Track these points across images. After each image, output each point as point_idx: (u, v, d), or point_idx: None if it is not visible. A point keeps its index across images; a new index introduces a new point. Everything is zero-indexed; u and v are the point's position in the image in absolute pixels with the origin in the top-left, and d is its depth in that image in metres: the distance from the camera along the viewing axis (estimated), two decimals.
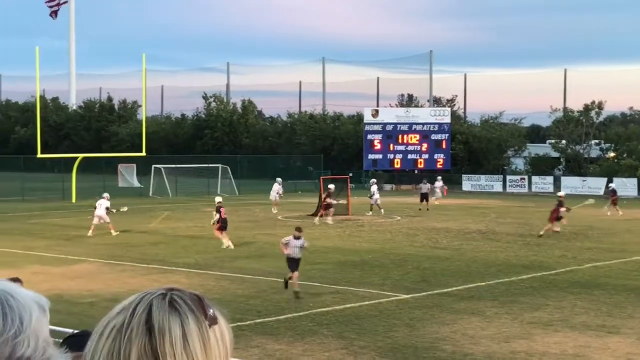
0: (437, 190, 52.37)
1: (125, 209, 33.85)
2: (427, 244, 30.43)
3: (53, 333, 1.64)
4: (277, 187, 46.85)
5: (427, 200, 46.59)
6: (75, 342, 3.06)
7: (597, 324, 16.33)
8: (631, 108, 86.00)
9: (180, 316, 1.36)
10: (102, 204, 33.47)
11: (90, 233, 32.66)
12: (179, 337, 1.34)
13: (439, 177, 56.27)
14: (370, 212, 43.07)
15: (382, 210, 43.36)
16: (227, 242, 28.84)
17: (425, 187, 47.68)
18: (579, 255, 27.36)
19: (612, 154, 73.60)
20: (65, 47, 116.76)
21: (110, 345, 1.35)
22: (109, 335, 1.36)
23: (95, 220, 33.23)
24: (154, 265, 24.97)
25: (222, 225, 29.13)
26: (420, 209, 45.91)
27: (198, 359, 1.35)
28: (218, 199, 31.29)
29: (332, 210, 39.50)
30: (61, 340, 2.71)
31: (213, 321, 1.40)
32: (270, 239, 32.11)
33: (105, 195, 34.49)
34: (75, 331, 6.76)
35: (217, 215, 29.12)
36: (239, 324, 16.29)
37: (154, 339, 1.34)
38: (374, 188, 44.57)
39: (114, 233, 32.75)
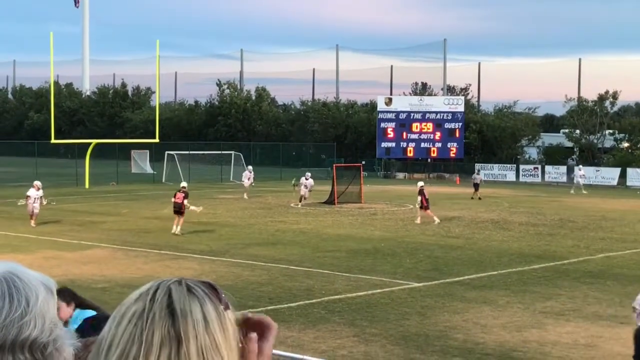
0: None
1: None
2: (440, 233, 30.37)
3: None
4: (247, 174, 47.54)
5: (477, 190, 48.13)
6: (94, 325, 3.08)
7: (609, 314, 16.28)
8: None
9: (200, 300, 1.39)
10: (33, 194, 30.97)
11: (33, 224, 30.56)
12: (200, 320, 1.37)
13: (478, 169, 58.18)
14: (300, 204, 41.23)
15: (300, 204, 41.26)
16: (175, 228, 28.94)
17: (478, 177, 50.49)
18: (592, 245, 27.26)
19: (626, 144, 73.25)
20: (79, 33, 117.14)
21: (131, 330, 1.36)
22: (129, 320, 1.37)
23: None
24: (167, 251, 25.04)
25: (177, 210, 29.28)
26: (472, 198, 46.92)
27: (218, 340, 1.38)
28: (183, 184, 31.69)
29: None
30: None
31: (227, 306, 1.44)
32: (282, 226, 32.17)
33: (37, 183, 31.73)
34: (94, 313, 6.78)
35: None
36: (250, 310, 16.27)
37: (177, 322, 1.36)
38: (304, 180, 44.30)
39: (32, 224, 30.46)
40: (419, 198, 33.93)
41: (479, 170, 57.78)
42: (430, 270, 21.92)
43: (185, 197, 29.44)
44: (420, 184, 35.53)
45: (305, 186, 41.89)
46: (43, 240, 27.22)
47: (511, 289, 19.05)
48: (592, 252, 25.63)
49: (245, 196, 45.19)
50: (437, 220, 33.10)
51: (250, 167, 49.18)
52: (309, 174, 43.63)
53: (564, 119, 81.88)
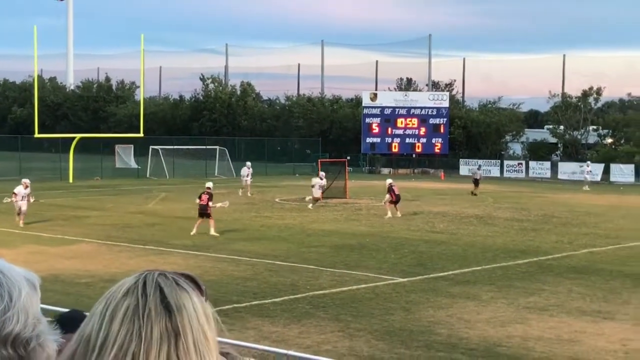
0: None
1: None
2: (424, 228, 30.44)
3: (49, 312, 1.61)
4: (246, 171, 46.51)
5: (477, 186, 48.06)
6: (65, 322, 3.04)
7: (592, 310, 16.36)
8: (629, 94, 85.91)
9: (189, 293, 1.42)
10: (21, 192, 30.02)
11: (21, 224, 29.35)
12: (193, 313, 1.39)
13: (479, 165, 58.65)
14: (240, 193, 43.57)
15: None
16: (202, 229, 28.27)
17: (478, 173, 50.64)
18: (576, 240, 27.39)
19: (609, 140, 73.66)
20: (64, 27, 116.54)
21: (128, 326, 1.36)
22: (123, 317, 1.37)
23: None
24: (151, 246, 24.98)
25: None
26: (472, 193, 46.74)
27: (206, 331, 1.40)
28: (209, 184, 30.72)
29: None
30: (52, 320, 2.68)
31: (207, 297, 1.46)
32: (267, 221, 32.15)
33: (25, 181, 30.87)
34: (65, 310, 6.75)
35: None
36: (235, 305, 16.31)
37: (173, 317, 1.37)
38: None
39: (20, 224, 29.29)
40: (387, 195, 34.25)
41: (480, 166, 58.03)
42: (414, 265, 21.96)
43: (210, 198, 28.31)
44: (389, 181, 35.73)
45: (320, 186, 39.48)
46: (27, 235, 27.09)
47: (495, 284, 19.12)
48: (576, 247, 25.76)
49: (240, 192, 44.19)
50: (399, 214, 33.63)
51: (248, 163, 47.71)
52: (323, 174, 41.49)
53: (548, 115, 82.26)
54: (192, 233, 27.60)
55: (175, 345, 1.36)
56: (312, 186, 39.12)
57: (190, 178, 57.92)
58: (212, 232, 27.84)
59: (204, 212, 28.23)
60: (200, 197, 28.66)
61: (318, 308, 16.29)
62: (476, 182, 48.24)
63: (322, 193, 39.58)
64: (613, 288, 18.80)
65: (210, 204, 28.22)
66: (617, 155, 67.20)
